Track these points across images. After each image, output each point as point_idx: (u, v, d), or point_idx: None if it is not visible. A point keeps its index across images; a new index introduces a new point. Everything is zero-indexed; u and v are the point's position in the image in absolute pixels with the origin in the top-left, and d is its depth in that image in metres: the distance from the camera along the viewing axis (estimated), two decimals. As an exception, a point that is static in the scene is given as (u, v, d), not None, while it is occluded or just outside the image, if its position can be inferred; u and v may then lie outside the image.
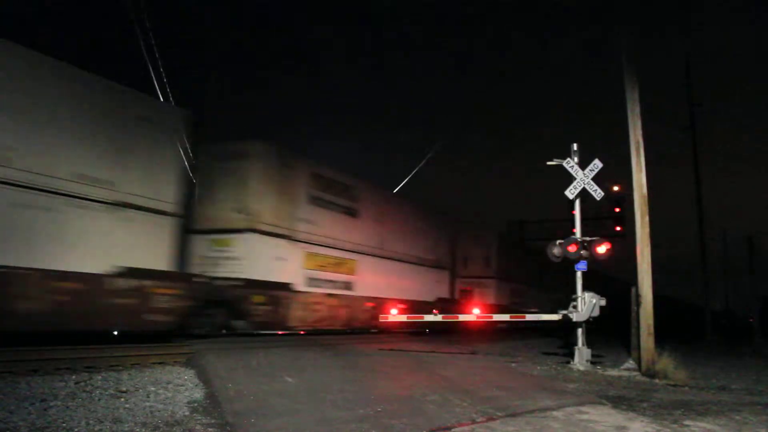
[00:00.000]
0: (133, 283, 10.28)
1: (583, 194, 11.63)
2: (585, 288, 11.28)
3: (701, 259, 27.47)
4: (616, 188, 16.64)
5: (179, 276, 11.45)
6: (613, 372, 10.57)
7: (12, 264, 8.64)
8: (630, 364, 11.11)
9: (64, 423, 4.98)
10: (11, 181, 8.77)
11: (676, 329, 24.77)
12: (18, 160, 8.89)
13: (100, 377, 7.27)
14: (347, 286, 16.13)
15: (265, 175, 13.73)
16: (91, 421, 5.06)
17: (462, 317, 14.23)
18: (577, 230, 11.64)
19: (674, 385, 9.33)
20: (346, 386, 7.27)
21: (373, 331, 17.53)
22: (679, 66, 29.55)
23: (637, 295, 10.91)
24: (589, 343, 11.28)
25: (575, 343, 11.33)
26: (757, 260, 33.08)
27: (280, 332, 14.11)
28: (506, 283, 26.00)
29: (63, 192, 9.47)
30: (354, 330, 16.85)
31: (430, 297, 19.80)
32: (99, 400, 5.97)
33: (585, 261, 11.31)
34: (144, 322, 10.53)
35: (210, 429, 5.10)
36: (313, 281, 14.80)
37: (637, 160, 11.25)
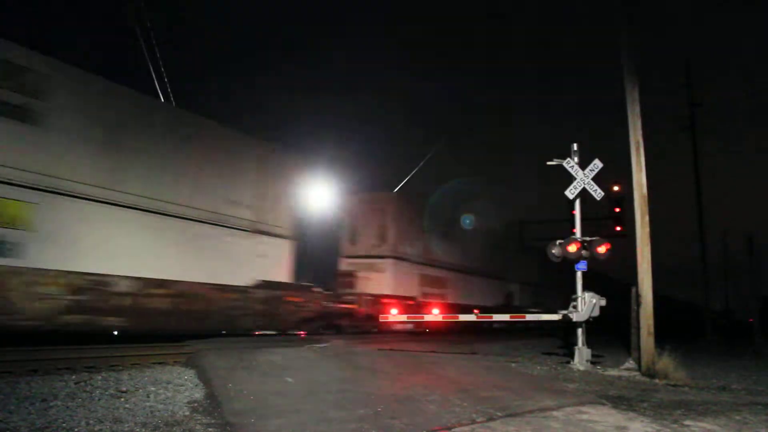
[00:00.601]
0: (269, 293, 12.85)
1: (583, 194, 11.63)
2: (584, 288, 11.29)
3: (701, 259, 27.49)
4: (616, 188, 16.66)
5: (301, 287, 13.94)
6: (613, 372, 10.57)
7: (189, 280, 11.31)
8: (630, 364, 11.11)
9: (64, 423, 4.98)
10: (194, 218, 11.48)
11: (676, 329, 24.78)
12: (193, 204, 11.61)
13: (100, 377, 7.27)
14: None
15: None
16: (91, 421, 5.06)
17: (462, 317, 14.26)
18: (577, 230, 11.64)
19: (674, 385, 9.33)
20: (346, 386, 7.27)
21: (373, 331, 17.55)
22: (679, 66, 29.55)
23: (637, 295, 10.91)
24: (589, 343, 11.28)
25: (575, 343, 11.33)
26: (757, 260, 33.09)
27: (280, 332, 14.12)
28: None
29: (224, 225, 12.16)
30: (356, 330, 16.85)
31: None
32: (99, 400, 5.97)
33: (585, 261, 11.32)
34: (275, 323, 13.21)
35: (210, 429, 5.10)
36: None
37: (637, 160, 11.25)
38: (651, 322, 10.69)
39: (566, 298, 11.62)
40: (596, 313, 11.07)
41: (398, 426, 5.30)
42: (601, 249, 11.18)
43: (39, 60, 9.38)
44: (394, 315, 13.58)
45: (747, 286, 35.17)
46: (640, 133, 11.29)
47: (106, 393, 6.31)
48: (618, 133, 11.88)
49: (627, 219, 16.48)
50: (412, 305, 18.38)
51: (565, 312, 11.26)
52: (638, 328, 10.89)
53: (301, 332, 14.93)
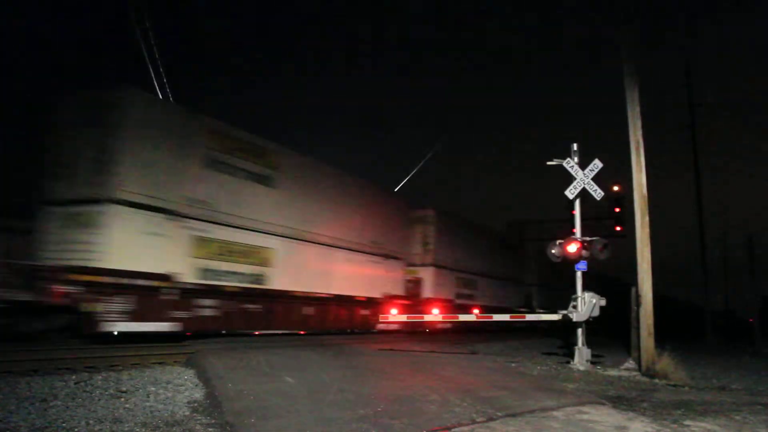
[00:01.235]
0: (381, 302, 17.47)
1: (583, 194, 11.63)
2: (585, 288, 11.29)
3: (701, 260, 27.47)
4: (616, 188, 16.67)
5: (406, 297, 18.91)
6: (613, 372, 10.57)
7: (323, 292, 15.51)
8: (630, 364, 11.11)
9: (64, 423, 4.98)
10: (356, 250, 16.85)
11: (676, 329, 24.75)
12: (359, 240, 17.01)
13: (100, 377, 7.27)
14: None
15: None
16: (91, 421, 5.06)
17: (462, 317, 14.27)
18: (577, 230, 11.64)
19: (674, 385, 9.33)
20: (346, 386, 7.27)
21: (373, 331, 17.55)
22: (679, 66, 29.55)
23: (637, 295, 10.91)
24: (589, 343, 11.28)
25: (575, 343, 11.33)
26: (757, 260, 33.08)
27: (280, 332, 14.12)
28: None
29: (360, 250, 16.97)
30: (354, 330, 16.87)
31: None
32: (99, 400, 5.96)
33: (585, 261, 11.32)
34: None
35: (210, 429, 5.10)
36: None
37: (637, 160, 11.25)
38: (651, 322, 10.69)
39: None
40: (596, 313, 11.07)
41: (398, 426, 5.30)
42: (601, 249, 11.18)
43: (272, 144, 13.65)
44: (394, 315, 13.57)
45: (747, 286, 35.16)
46: (640, 133, 11.29)
47: (106, 393, 6.31)
48: (618, 133, 11.90)
49: (627, 219, 16.54)
50: (450, 306, 20.65)
51: (565, 312, 11.26)
52: (638, 328, 10.89)
53: (301, 331, 14.95)
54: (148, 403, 5.91)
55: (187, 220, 11.17)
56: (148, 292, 10.57)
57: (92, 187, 10.01)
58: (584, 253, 11.21)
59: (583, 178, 11.56)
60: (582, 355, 11.11)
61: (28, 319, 9.75)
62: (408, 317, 14.18)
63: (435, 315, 14.25)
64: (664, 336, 11.65)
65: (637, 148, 11.26)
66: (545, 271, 28.95)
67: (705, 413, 6.72)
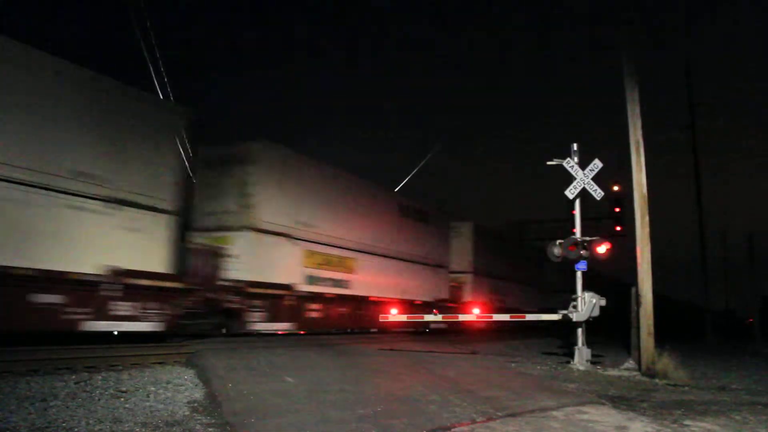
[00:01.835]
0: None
1: (583, 194, 11.63)
2: (585, 288, 11.29)
3: (701, 259, 27.46)
4: (616, 188, 16.65)
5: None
6: (613, 372, 10.57)
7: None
8: (630, 364, 11.11)
9: (64, 423, 4.98)
10: (408, 260, 19.19)
11: (676, 329, 24.75)
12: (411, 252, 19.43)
13: (100, 377, 7.27)
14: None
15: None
16: (91, 421, 5.06)
17: (462, 317, 14.27)
18: (577, 230, 11.64)
19: (674, 385, 9.33)
20: (346, 386, 7.27)
21: (372, 331, 17.55)
22: (679, 66, 29.54)
23: (637, 295, 10.90)
24: (589, 343, 11.28)
25: (575, 343, 11.33)
26: (757, 260, 33.09)
27: (280, 332, 14.12)
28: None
29: (417, 261, 19.49)
30: (354, 330, 16.88)
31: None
32: (99, 400, 5.96)
33: (585, 261, 11.31)
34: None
35: (210, 429, 5.10)
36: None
37: (637, 160, 11.24)
38: (651, 322, 10.69)
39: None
40: (596, 313, 11.07)
41: (398, 426, 5.30)
42: (601, 249, 11.18)
43: (354, 176, 17.04)
44: (394, 315, 13.59)
45: (747, 286, 35.17)
46: (640, 133, 11.28)
47: (106, 393, 6.30)
48: (618, 133, 11.90)
49: (627, 219, 16.52)
50: (487, 308, 21.66)
51: (565, 312, 11.26)
52: (638, 328, 10.89)
53: (301, 331, 14.95)
54: (148, 403, 5.90)
55: (300, 241, 14.27)
56: (276, 299, 13.48)
57: (236, 218, 13.00)
58: (584, 253, 11.21)
59: (583, 178, 11.56)
60: (582, 355, 11.11)
61: (203, 320, 12.07)
62: (408, 317, 14.29)
63: (435, 315, 14.30)
64: (664, 336, 11.65)
65: (637, 148, 11.26)
66: (561, 275, 29.73)
67: (705, 413, 6.72)
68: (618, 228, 19.17)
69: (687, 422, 6.13)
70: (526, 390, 7.79)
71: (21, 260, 8.65)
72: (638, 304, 10.88)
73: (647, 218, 11.06)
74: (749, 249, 32.84)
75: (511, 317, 13.92)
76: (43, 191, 9.04)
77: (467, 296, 22.62)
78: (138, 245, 10.32)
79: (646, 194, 11.17)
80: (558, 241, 11.58)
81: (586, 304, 11.06)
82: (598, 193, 11.54)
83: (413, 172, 21.77)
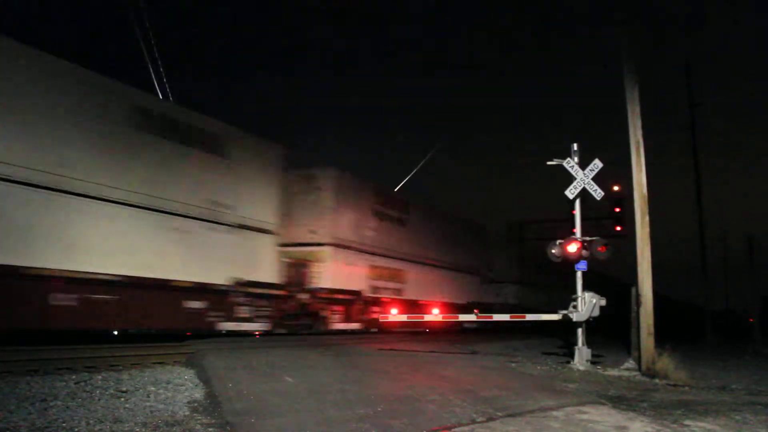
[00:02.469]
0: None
1: (583, 194, 11.63)
2: (584, 288, 11.29)
3: (701, 259, 27.44)
4: (616, 188, 16.64)
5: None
6: (613, 372, 10.57)
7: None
8: (630, 364, 11.11)
9: (64, 423, 4.97)
10: (441, 266, 20.91)
11: (676, 329, 24.73)
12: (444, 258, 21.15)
13: (100, 377, 7.26)
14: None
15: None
16: (91, 421, 5.06)
17: (462, 317, 14.28)
18: (577, 230, 11.64)
19: (674, 385, 9.33)
20: (346, 386, 7.27)
21: (373, 330, 17.56)
22: (679, 66, 29.51)
23: (637, 295, 10.91)
24: (589, 343, 11.28)
25: (575, 343, 11.33)
26: (757, 260, 33.09)
27: (280, 332, 14.13)
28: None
29: (456, 269, 21.64)
30: (354, 330, 16.88)
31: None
32: (99, 400, 5.96)
33: (585, 261, 11.31)
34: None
35: (210, 429, 5.10)
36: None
37: (637, 160, 11.25)
38: (651, 322, 10.69)
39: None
40: (596, 313, 11.07)
41: (398, 426, 5.30)
42: (601, 249, 11.18)
43: (407, 196, 19.52)
44: (394, 315, 13.61)
45: (747, 286, 35.18)
46: (640, 133, 11.29)
47: (106, 393, 6.30)
48: (618, 133, 11.90)
49: (627, 219, 16.51)
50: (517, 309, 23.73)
51: (565, 312, 11.27)
52: (638, 328, 10.89)
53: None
54: (148, 403, 5.90)
55: (365, 254, 16.49)
56: (349, 303, 15.80)
57: (316, 234, 15.07)
58: (584, 253, 11.21)
59: (583, 178, 11.56)
60: (582, 355, 11.11)
61: (296, 321, 14.20)
62: (408, 317, 14.32)
63: (435, 315, 14.35)
64: (664, 336, 11.65)
65: (637, 148, 11.26)
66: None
67: (705, 413, 6.72)
68: (618, 228, 19.17)
69: (687, 422, 6.13)
70: (526, 390, 7.79)
71: (178, 274, 10.84)
72: (638, 304, 10.88)
73: (647, 218, 11.06)
74: (749, 249, 32.87)
75: (511, 317, 13.93)
76: (190, 219, 11.20)
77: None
78: (252, 260, 12.55)
79: (646, 194, 11.17)
80: (558, 241, 11.58)
81: (586, 304, 11.06)
82: (598, 193, 11.54)
83: (413, 172, 21.79)
